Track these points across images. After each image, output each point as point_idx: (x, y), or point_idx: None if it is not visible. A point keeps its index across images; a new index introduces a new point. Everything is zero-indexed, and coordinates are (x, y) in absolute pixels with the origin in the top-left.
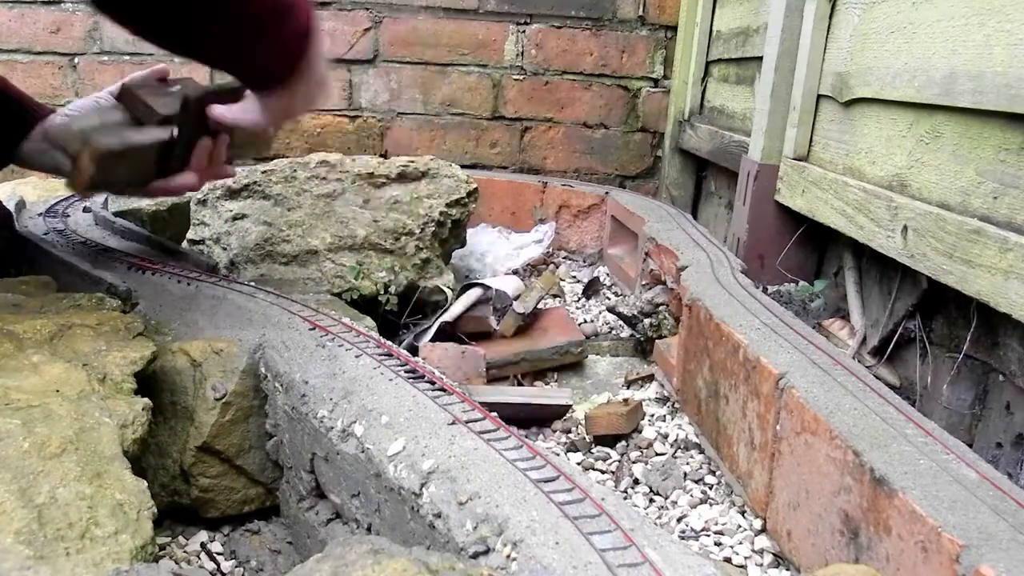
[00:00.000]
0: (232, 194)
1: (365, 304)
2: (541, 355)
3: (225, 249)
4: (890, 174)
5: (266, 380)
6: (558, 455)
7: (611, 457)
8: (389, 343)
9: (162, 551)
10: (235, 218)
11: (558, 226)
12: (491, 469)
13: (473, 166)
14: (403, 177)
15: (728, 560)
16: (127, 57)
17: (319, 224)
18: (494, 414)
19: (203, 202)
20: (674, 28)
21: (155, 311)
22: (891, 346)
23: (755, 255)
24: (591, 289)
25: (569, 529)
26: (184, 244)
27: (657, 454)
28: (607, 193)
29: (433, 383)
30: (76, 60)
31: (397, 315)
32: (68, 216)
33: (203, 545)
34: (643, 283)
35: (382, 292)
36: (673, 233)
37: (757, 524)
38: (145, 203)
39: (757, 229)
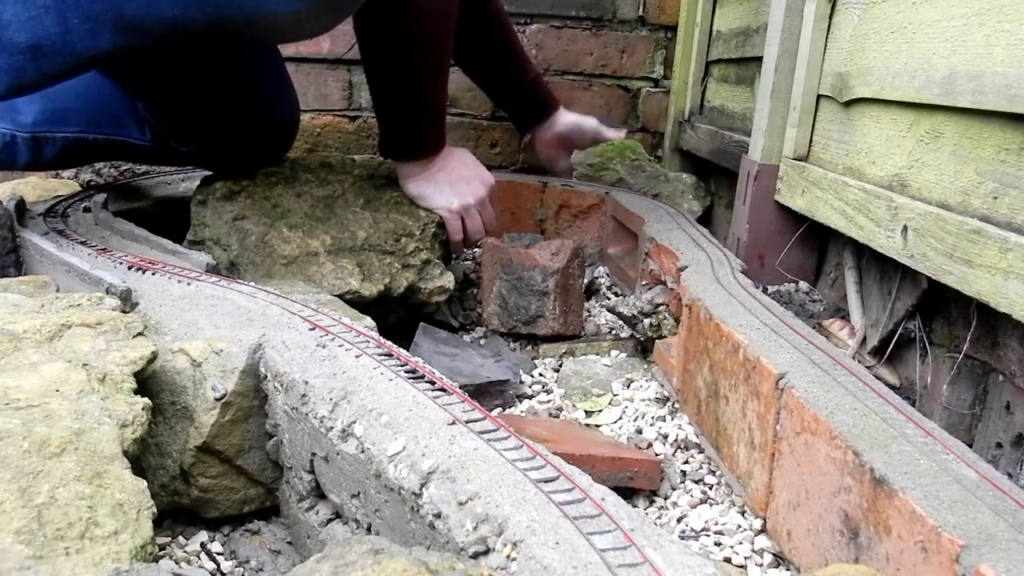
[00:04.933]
0: (232, 195)
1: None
2: None
3: (225, 250)
4: (890, 174)
5: (266, 380)
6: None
7: None
8: (389, 343)
9: (162, 551)
10: (235, 219)
11: (558, 226)
12: (491, 469)
13: None
14: None
15: (728, 560)
16: None
17: (319, 226)
18: (494, 413)
19: (203, 203)
20: (674, 28)
21: (155, 311)
22: (891, 346)
23: (755, 255)
24: (590, 289)
25: (569, 529)
26: (184, 244)
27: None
28: (607, 193)
29: (433, 383)
30: None
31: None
32: (68, 216)
33: (203, 545)
34: (643, 283)
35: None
36: (673, 233)
37: (757, 524)
38: (146, 204)
39: (757, 229)
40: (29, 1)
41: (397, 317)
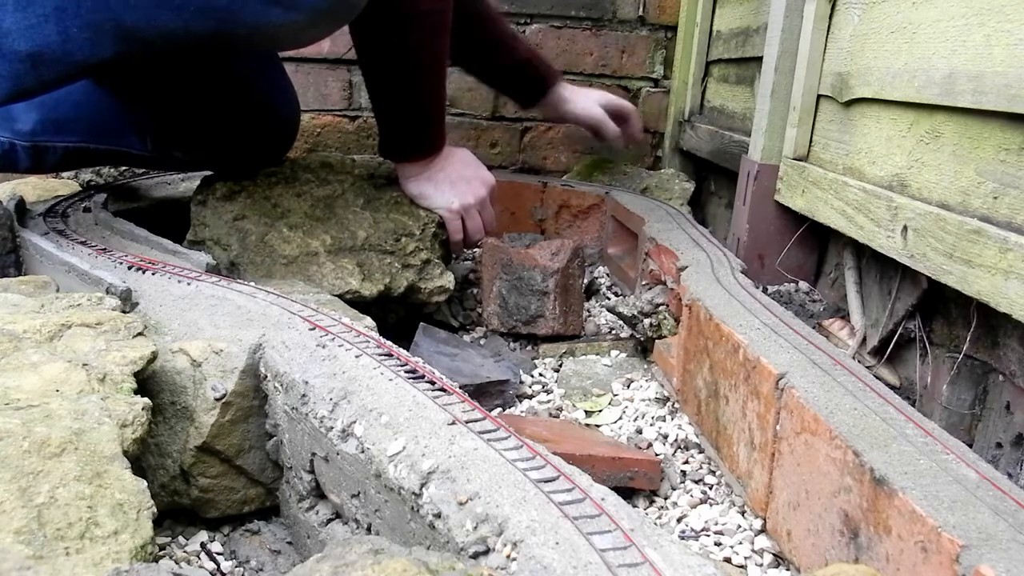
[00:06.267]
0: (232, 195)
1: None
2: None
3: (225, 250)
4: (890, 174)
5: (266, 380)
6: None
7: None
8: (389, 343)
9: (162, 551)
10: (235, 219)
11: (558, 226)
12: (491, 469)
13: None
14: None
15: (728, 560)
16: None
17: (319, 226)
18: (494, 413)
19: (203, 203)
20: (674, 28)
21: (155, 311)
22: (891, 346)
23: (755, 255)
24: (590, 289)
25: (569, 529)
26: (184, 245)
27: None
28: (607, 193)
29: (433, 383)
30: None
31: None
32: (68, 216)
33: (203, 545)
34: (643, 283)
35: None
36: (673, 233)
37: (757, 524)
38: (146, 204)
39: (757, 229)
40: (29, 9)
41: (397, 317)
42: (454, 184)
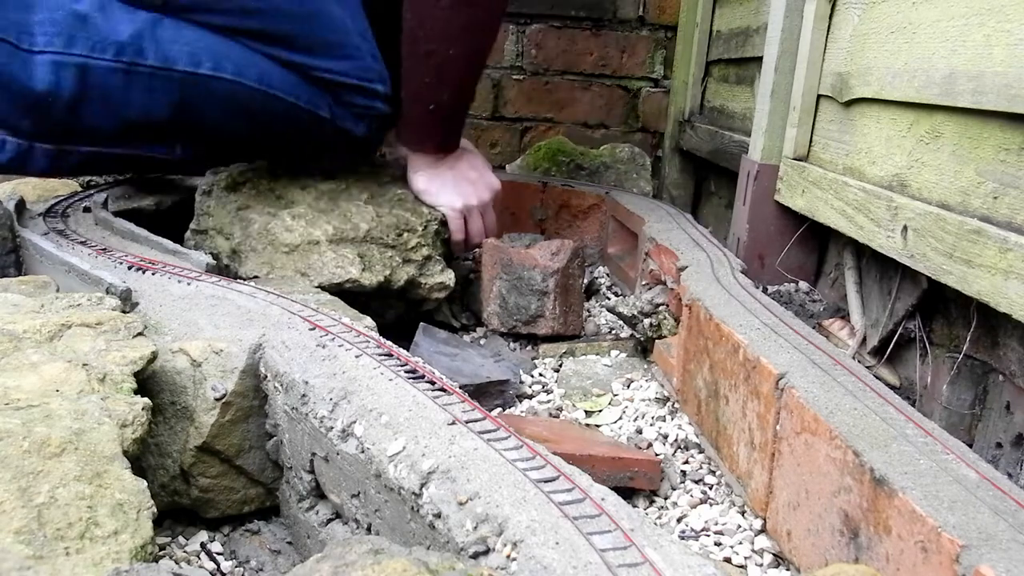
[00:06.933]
0: (237, 186)
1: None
2: None
3: (228, 239)
4: (890, 174)
5: (266, 380)
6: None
7: None
8: (389, 343)
9: (162, 551)
10: (239, 209)
11: (558, 226)
12: (491, 469)
13: None
14: None
15: (728, 560)
16: None
17: (322, 216)
18: (494, 413)
19: (208, 193)
20: (674, 28)
21: (155, 311)
22: (891, 346)
23: (755, 255)
24: (590, 289)
25: (569, 529)
26: (187, 233)
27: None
28: (607, 193)
29: (433, 383)
30: None
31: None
32: (68, 216)
33: (203, 545)
34: (643, 283)
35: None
36: (673, 233)
37: (757, 524)
38: (147, 202)
39: (757, 229)
40: None
41: (396, 313)
42: (459, 184)
